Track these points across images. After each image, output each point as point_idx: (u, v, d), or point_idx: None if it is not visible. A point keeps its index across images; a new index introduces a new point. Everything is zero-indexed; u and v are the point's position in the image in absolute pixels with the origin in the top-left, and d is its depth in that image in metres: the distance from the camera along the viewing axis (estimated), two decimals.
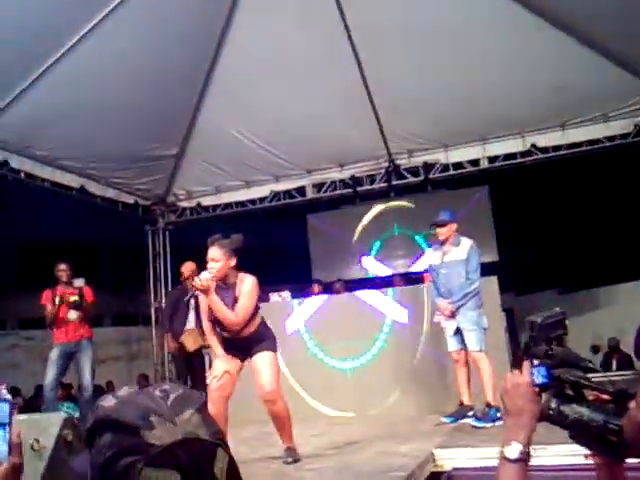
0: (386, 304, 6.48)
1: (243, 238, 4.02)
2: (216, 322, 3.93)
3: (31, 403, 10.40)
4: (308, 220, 9.71)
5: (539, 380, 1.34)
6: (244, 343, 3.96)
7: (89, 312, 6.25)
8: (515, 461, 1.27)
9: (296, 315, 6.73)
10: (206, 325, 3.99)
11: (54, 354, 6.08)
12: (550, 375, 1.34)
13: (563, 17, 6.18)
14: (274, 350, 4.00)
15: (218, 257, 3.86)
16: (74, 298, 6.06)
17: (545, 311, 1.45)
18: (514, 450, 1.28)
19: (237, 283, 3.91)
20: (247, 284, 3.90)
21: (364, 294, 6.72)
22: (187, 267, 6.87)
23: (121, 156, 7.66)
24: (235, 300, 3.87)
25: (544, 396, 1.33)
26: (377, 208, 9.22)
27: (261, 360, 3.92)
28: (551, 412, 1.30)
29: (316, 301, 6.88)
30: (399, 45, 6.80)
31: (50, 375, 6.03)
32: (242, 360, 3.99)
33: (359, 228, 9.29)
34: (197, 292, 3.88)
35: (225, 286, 3.91)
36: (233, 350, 3.97)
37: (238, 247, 3.96)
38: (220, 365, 3.93)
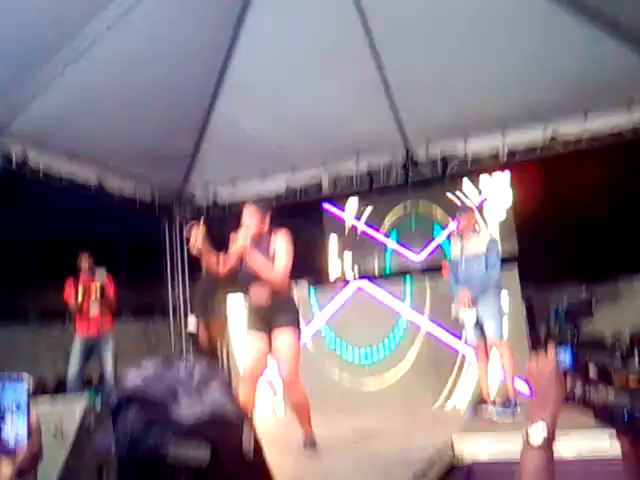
0: (403, 295, 6.45)
1: (273, 203, 4.20)
2: (253, 283, 3.96)
3: (53, 393, 10.53)
4: (324, 209, 9.69)
5: (565, 363, 1.32)
6: (270, 311, 3.96)
7: (111, 305, 6.32)
8: (540, 447, 1.26)
9: (313, 307, 6.73)
10: None
11: (76, 346, 6.17)
12: (576, 358, 1.32)
13: (586, 1, 6.07)
14: (296, 325, 4.00)
15: (254, 217, 4.02)
16: (97, 292, 6.13)
17: (572, 294, 1.44)
18: (539, 432, 1.27)
19: (271, 242, 4.01)
20: (282, 242, 4.00)
21: (382, 286, 6.70)
22: (195, 229, 6.85)
23: (138, 149, 7.68)
24: (271, 258, 3.95)
25: (569, 379, 1.32)
26: (396, 212, 9.17)
27: (283, 339, 3.93)
28: (576, 395, 1.29)
29: (334, 294, 6.87)
30: (417, 31, 6.71)
31: (73, 367, 6.12)
32: (269, 333, 3.98)
33: (377, 222, 9.25)
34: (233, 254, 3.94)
35: (260, 246, 3.99)
36: (260, 322, 3.99)
37: (269, 206, 4.20)
38: (253, 345, 3.96)
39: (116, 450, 0.77)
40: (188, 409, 0.75)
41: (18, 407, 1.14)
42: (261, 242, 4.00)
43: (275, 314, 3.97)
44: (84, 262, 6.28)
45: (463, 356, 5.79)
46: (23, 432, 1.14)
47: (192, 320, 7.19)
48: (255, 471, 0.77)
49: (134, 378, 0.81)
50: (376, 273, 9.17)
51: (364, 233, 9.34)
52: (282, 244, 4.00)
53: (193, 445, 0.73)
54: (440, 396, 5.92)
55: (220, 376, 0.83)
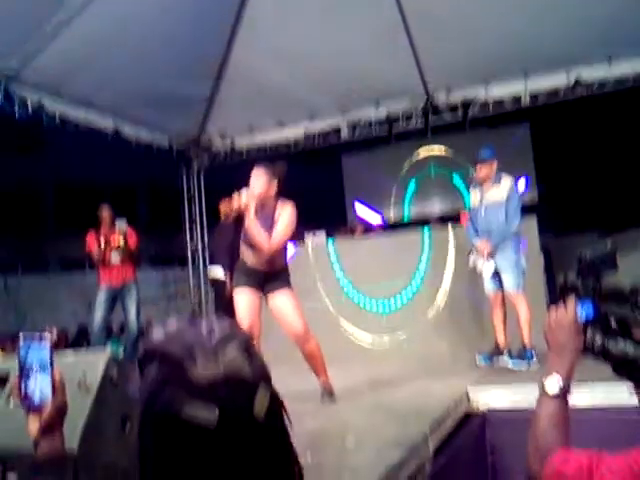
0: (421, 245, 6.44)
1: (286, 166, 4.05)
2: (249, 246, 3.93)
3: (76, 342, 10.77)
4: (343, 161, 9.62)
5: (585, 315, 1.32)
6: (266, 276, 3.95)
7: (134, 254, 6.37)
8: (555, 396, 1.27)
9: (331, 256, 6.74)
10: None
11: (100, 296, 6.24)
12: (596, 310, 1.31)
13: None
14: (290, 286, 3.99)
15: (261, 179, 3.90)
16: (119, 242, 6.19)
17: (596, 245, 1.41)
18: (554, 383, 1.27)
19: (276, 210, 3.91)
20: (286, 213, 3.90)
21: (399, 236, 6.69)
22: (227, 203, 6.86)
23: (154, 95, 7.60)
24: (271, 226, 3.86)
25: (589, 331, 1.31)
26: (412, 160, 9.08)
27: (284, 300, 3.92)
28: (596, 347, 1.29)
29: (351, 243, 6.88)
30: None
31: (97, 316, 6.22)
32: (262, 292, 3.97)
33: (395, 170, 9.18)
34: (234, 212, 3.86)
35: (263, 212, 3.91)
36: (252, 282, 3.96)
37: (281, 174, 3.98)
38: (244, 299, 3.95)
39: (138, 402, 0.80)
40: (203, 369, 0.76)
41: (42, 365, 1.17)
42: (265, 207, 3.91)
43: (269, 280, 3.94)
44: (105, 213, 6.31)
45: (480, 303, 5.79)
46: (48, 389, 1.17)
47: (217, 268, 7.09)
48: (268, 434, 0.77)
49: (157, 335, 0.82)
50: (394, 222, 9.19)
51: (382, 181, 9.29)
52: (285, 216, 3.88)
53: (203, 405, 0.74)
54: (458, 346, 5.95)
55: (241, 336, 0.82)
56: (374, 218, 9.21)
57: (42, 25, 5.89)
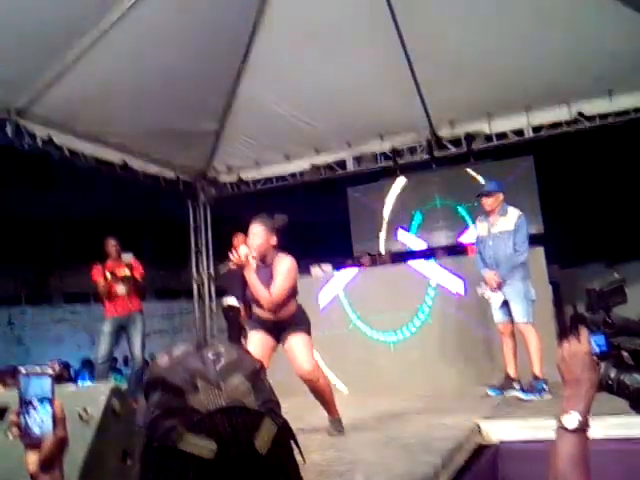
0: (431, 274, 6.43)
1: (287, 219, 4.00)
2: (253, 300, 3.93)
3: (78, 376, 10.71)
4: (348, 193, 9.67)
5: (598, 349, 1.29)
6: (278, 325, 3.93)
7: (141, 286, 6.39)
8: (574, 431, 1.24)
9: (338, 288, 6.72)
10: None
11: (106, 327, 6.23)
12: (609, 344, 1.29)
13: None
14: (308, 333, 3.95)
15: (259, 234, 3.86)
16: (124, 273, 6.20)
17: (603, 277, 1.40)
18: (573, 420, 1.24)
19: (275, 263, 3.87)
20: (284, 264, 3.85)
21: (406, 267, 6.68)
22: (239, 238, 7.03)
23: (162, 131, 7.70)
24: (271, 279, 3.82)
25: (603, 365, 1.29)
26: (418, 178, 9.11)
27: (296, 341, 3.89)
28: (610, 382, 1.26)
29: (358, 273, 6.86)
30: (441, 10, 6.61)
31: (102, 348, 6.19)
32: (276, 340, 3.96)
33: (397, 198, 9.21)
34: (234, 266, 3.86)
35: (263, 265, 3.89)
36: (265, 328, 3.97)
37: (281, 226, 3.95)
38: (255, 339, 3.95)
39: (142, 431, 0.78)
40: (204, 398, 0.74)
41: (42, 398, 1.16)
42: (266, 260, 3.90)
43: (281, 328, 3.93)
44: (110, 246, 6.34)
45: (490, 335, 5.75)
46: (48, 423, 1.15)
47: (232, 298, 7.26)
48: (271, 469, 0.74)
49: (161, 362, 0.80)
50: (400, 253, 9.18)
51: (388, 216, 9.32)
52: (283, 267, 3.84)
53: (201, 436, 0.72)
54: (468, 378, 5.89)
55: (249, 365, 0.80)
56: (417, 244, 9.20)
57: (53, 61, 6.00)
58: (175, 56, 6.59)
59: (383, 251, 9.25)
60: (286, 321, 3.93)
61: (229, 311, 7.44)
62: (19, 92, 6.15)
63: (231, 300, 7.39)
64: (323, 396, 3.92)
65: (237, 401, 0.75)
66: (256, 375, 0.79)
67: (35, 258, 15.49)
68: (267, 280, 3.83)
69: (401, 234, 9.26)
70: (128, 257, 6.26)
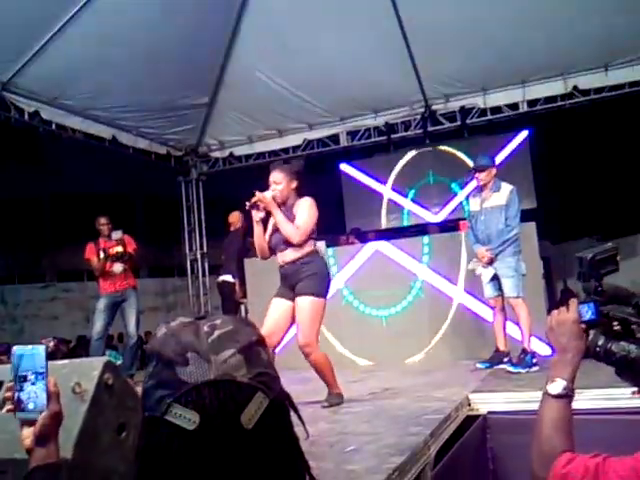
0: (421, 252, 6.44)
1: (303, 162, 4.17)
2: (277, 245, 3.98)
3: (74, 352, 10.74)
4: (341, 169, 9.63)
5: (587, 316, 1.30)
6: (294, 273, 3.94)
7: (134, 261, 6.40)
8: (558, 397, 1.26)
9: (330, 265, 6.73)
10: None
11: (101, 304, 6.23)
12: (599, 312, 1.30)
13: None
14: (318, 294, 3.94)
15: (280, 179, 3.97)
16: (117, 249, 6.18)
17: (596, 247, 1.40)
18: (558, 386, 1.27)
19: (294, 207, 3.98)
20: (305, 202, 3.97)
21: (399, 243, 6.68)
22: (235, 216, 7.04)
23: (152, 106, 7.63)
24: (290, 218, 3.92)
25: (592, 333, 1.30)
26: (412, 153, 9.06)
27: (301, 307, 3.89)
28: (598, 349, 1.27)
29: (351, 251, 6.86)
30: None
31: (98, 325, 6.20)
32: (292, 298, 3.96)
33: (393, 175, 9.18)
34: (259, 211, 3.90)
35: (285, 209, 3.97)
36: (283, 283, 4.00)
37: (299, 170, 4.07)
38: (273, 307, 3.98)
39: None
40: (194, 371, 0.74)
41: (36, 375, 1.16)
42: (287, 203, 3.99)
43: (299, 277, 3.93)
44: (101, 225, 6.30)
45: (480, 309, 5.79)
46: (42, 398, 1.16)
47: (226, 275, 7.42)
48: (259, 443, 0.74)
49: (158, 335, 0.81)
50: (393, 228, 9.18)
51: (380, 189, 9.30)
52: (305, 204, 3.97)
53: (187, 408, 0.73)
54: (459, 351, 5.93)
55: (243, 337, 0.79)
56: (421, 212, 9.18)
57: (38, 33, 5.92)
58: (164, 27, 6.50)
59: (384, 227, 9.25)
60: (302, 268, 3.93)
61: (223, 287, 7.50)
62: (4, 65, 6.06)
63: (226, 276, 7.45)
64: (320, 370, 3.94)
65: (227, 374, 0.74)
66: (250, 348, 0.78)
67: (28, 237, 15.45)
68: (291, 221, 3.94)
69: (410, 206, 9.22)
70: (118, 234, 6.24)
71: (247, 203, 3.91)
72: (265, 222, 4.05)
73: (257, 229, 3.96)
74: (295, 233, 3.88)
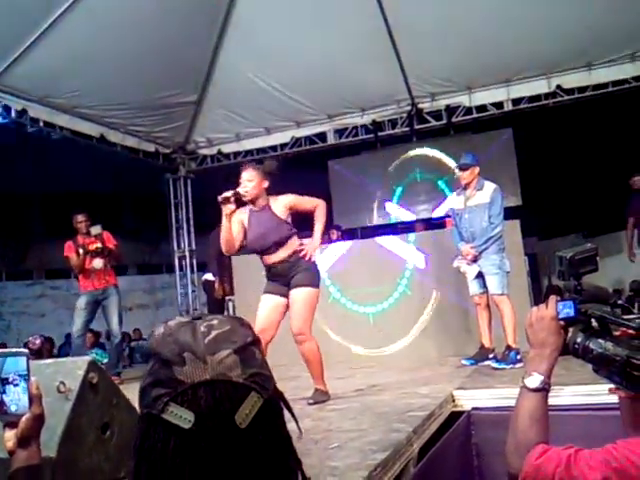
0: (407, 249, 6.47)
1: (276, 163, 4.16)
2: (258, 250, 4.01)
3: (61, 350, 10.70)
4: (329, 166, 9.64)
5: (566, 314, 1.33)
6: (289, 269, 3.96)
7: (116, 256, 6.33)
8: (535, 390, 1.29)
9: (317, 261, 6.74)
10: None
11: (81, 302, 6.16)
12: (577, 309, 1.33)
13: None
14: (313, 285, 3.98)
15: (252, 177, 3.97)
16: (96, 246, 6.12)
17: (576, 246, 1.43)
18: (535, 380, 1.30)
19: (271, 206, 3.99)
20: (289, 196, 4.03)
21: (385, 240, 6.71)
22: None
23: (140, 103, 7.60)
24: (272, 219, 3.94)
25: (570, 330, 1.33)
26: (399, 159, 9.10)
27: (297, 297, 3.93)
28: (577, 346, 1.30)
29: (337, 247, 6.88)
30: None
31: (78, 323, 6.13)
32: (285, 294, 3.99)
33: (380, 173, 9.20)
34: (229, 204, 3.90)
35: (257, 209, 4.00)
36: (276, 279, 4.01)
37: (272, 172, 4.06)
38: (264, 304, 4.00)
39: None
40: (191, 371, 0.76)
41: (19, 378, 1.17)
42: (257, 202, 4.00)
43: (291, 272, 3.96)
44: (78, 223, 6.22)
45: (465, 306, 5.83)
46: (24, 401, 1.16)
47: (208, 273, 7.59)
48: (250, 443, 0.76)
49: (156, 334, 0.82)
50: (379, 225, 9.21)
51: (368, 187, 9.32)
52: (296, 197, 4.06)
53: (183, 407, 0.74)
54: (444, 348, 5.97)
55: (239, 338, 0.80)
56: (407, 216, 9.22)
57: (25, 30, 5.88)
58: (152, 25, 6.48)
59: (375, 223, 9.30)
60: (292, 263, 3.96)
61: (206, 285, 7.65)
62: None
63: (207, 275, 7.57)
64: (310, 361, 3.97)
65: (222, 375, 0.76)
66: (246, 348, 0.80)
67: (15, 233, 15.33)
68: (268, 226, 3.95)
69: (388, 206, 9.27)
70: (97, 229, 6.16)
71: (219, 197, 3.88)
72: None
73: (226, 223, 3.93)
74: (322, 207, 4.10)
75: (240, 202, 3.98)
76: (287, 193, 4.09)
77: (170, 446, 0.74)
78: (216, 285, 7.30)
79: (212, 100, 8.20)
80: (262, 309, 4.01)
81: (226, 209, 3.89)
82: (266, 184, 4.00)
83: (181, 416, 0.74)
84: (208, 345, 0.78)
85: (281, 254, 3.97)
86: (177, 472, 0.74)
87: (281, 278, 4.00)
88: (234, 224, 3.99)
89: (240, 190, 3.92)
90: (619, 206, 7.94)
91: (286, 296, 3.99)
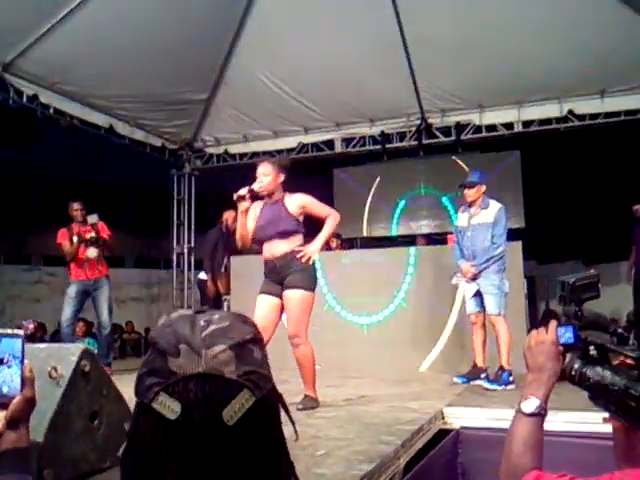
0: (407, 262, 6.46)
1: (290, 159, 4.21)
2: (261, 237, 4.04)
3: (54, 337, 10.66)
4: (335, 174, 9.64)
5: (565, 339, 1.32)
6: (283, 267, 3.96)
7: (109, 247, 6.31)
8: (531, 415, 1.28)
9: (317, 271, 6.73)
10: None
11: (72, 291, 6.12)
12: (577, 336, 1.32)
13: None
14: (308, 288, 3.97)
15: (268, 171, 4.01)
16: (90, 235, 6.10)
17: (578, 272, 1.43)
18: (531, 404, 1.29)
19: (285, 200, 4.03)
20: (305, 197, 4.07)
21: (385, 252, 6.71)
22: (229, 214, 7.07)
23: (151, 97, 7.61)
24: (281, 210, 3.98)
25: (568, 356, 1.32)
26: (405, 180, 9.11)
27: (290, 299, 3.93)
28: (574, 372, 1.29)
29: (336, 256, 6.88)
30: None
31: (67, 311, 6.09)
32: (280, 294, 3.99)
33: (384, 184, 9.21)
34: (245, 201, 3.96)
35: (271, 202, 4.04)
36: (271, 276, 4.02)
37: (287, 166, 4.14)
38: (260, 304, 4.00)
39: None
40: (184, 363, 0.76)
41: (13, 359, 1.16)
42: (273, 196, 4.04)
43: (286, 274, 3.96)
44: (74, 211, 6.20)
45: (461, 324, 5.82)
46: (17, 383, 1.16)
47: (202, 272, 7.63)
48: (237, 440, 0.75)
49: (158, 325, 0.82)
50: (381, 237, 9.21)
51: (372, 197, 9.32)
52: (310, 200, 4.10)
53: (172, 398, 0.74)
54: (437, 364, 5.96)
55: (237, 334, 0.80)
56: (408, 230, 9.24)
57: (41, 17, 5.89)
58: (168, 21, 6.50)
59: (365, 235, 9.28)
60: (290, 261, 3.95)
61: (199, 284, 7.71)
62: (6, 47, 6.02)
63: (202, 274, 7.61)
64: (303, 364, 3.96)
65: (215, 369, 0.75)
66: (243, 346, 0.79)
67: (15, 218, 15.31)
68: (276, 215, 3.99)
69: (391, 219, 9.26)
70: (94, 218, 6.14)
71: (234, 195, 3.94)
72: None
73: (242, 219, 4.01)
74: (335, 217, 4.10)
75: (255, 198, 4.03)
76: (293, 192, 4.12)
77: (158, 436, 0.74)
78: (209, 284, 7.31)
79: (222, 99, 8.22)
80: (260, 309, 4.01)
81: (241, 206, 3.96)
82: (282, 178, 4.05)
83: (169, 406, 0.74)
84: (204, 339, 0.77)
85: (281, 247, 3.97)
86: (163, 462, 0.74)
87: (275, 275, 4.00)
88: (249, 220, 4.05)
89: (255, 186, 3.97)
90: (620, 236, 7.94)
91: (281, 296, 3.99)
